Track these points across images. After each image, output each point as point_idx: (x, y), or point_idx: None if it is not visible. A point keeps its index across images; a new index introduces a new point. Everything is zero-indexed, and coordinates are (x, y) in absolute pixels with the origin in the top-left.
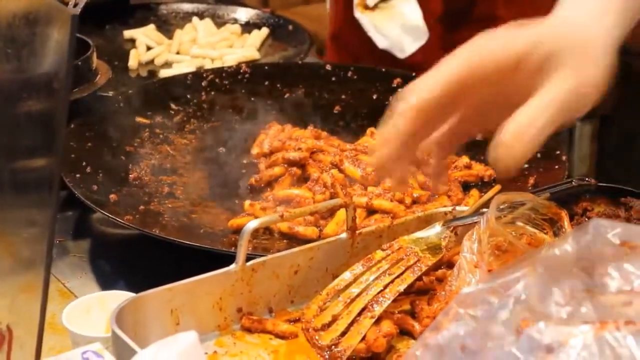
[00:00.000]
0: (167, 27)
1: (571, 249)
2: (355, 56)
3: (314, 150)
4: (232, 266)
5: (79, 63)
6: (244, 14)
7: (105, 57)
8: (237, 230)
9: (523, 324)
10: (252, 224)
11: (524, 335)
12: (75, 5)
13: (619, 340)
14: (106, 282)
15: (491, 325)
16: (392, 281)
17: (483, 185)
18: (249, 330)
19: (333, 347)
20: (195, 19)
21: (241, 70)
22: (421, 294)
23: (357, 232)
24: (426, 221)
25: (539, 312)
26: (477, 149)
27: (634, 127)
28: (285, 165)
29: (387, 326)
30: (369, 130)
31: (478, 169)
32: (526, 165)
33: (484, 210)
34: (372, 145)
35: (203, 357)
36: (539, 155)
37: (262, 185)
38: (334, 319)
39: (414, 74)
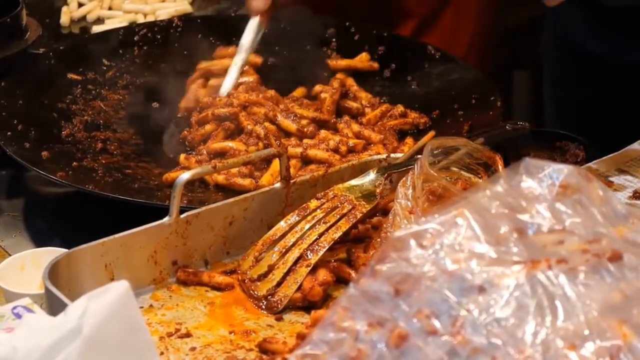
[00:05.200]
0: None
1: (502, 190)
2: None
3: (248, 104)
4: (166, 219)
5: (8, 20)
6: None
7: (37, 14)
8: (172, 184)
9: (455, 264)
10: (184, 176)
11: (456, 276)
12: None
13: (551, 279)
14: (41, 240)
15: (423, 268)
16: (327, 229)
17: (418, 133)
18: (184, 283)
19: (269, 297)
20: None
21: (174, 24)
22: (357, 241)
23: (292, 181)
24: (360, 169)
25: (470, 253)
26: (412, 98)
27: (571, 79)
28: (217, 121)
29: (323, 275)
30: (300, 89)
31: (413, 117)
32: (461, 112)
33: (418, 156)
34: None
35: (135, 306)
36: (473, 101)
37: (195, 144)
38: (270, 269)
39: (347, 24)
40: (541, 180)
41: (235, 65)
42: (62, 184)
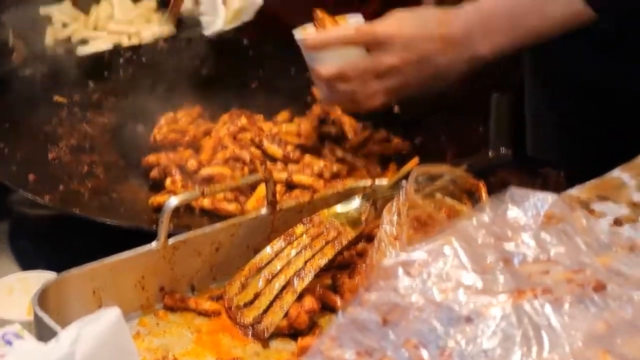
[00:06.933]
0: (82, 3)
1: (488, 219)
2: None
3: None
4: (154, 244)
5: None
6: None
7: (21, 34)
8: (159, 208)
9: (442, 294)
10: (172, 202)
11: (444, 306)
12: None
13: (537, 309)
14: (27, 263)
15: (411, 297)
16: (313, 256)
17: (401, 158)
18: (171, 309)
19: (256, 324)
20: None
21: (158, 47)
22: (342, 268)
23: (278, 207)
24: (346, 196)
25: (457, 283)
26: (395, 123)
27: (547, 101)
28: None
29: (309, 302)
30: (284, 113)
31: (396, 142)
32: (443, 138)
33: (403, 183)
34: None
35: (127, 333)
36: (455, 126)
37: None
38: (256, 296)
39: None
40: (526, 210)
41: None
42: (49, 207)
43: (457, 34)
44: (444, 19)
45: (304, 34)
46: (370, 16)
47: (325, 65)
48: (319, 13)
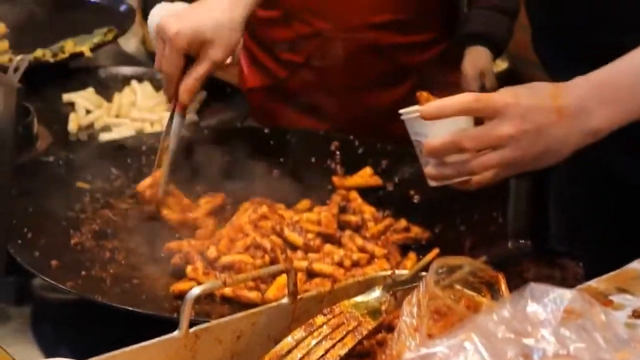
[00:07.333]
0: (106, 90)
1: (508, 314)
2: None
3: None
4: (175, 333)
5: (20, 129)
6: None
7: (45, 120)
8: (180, 295)
9: None
10: (195, 291)
11: None
12: (16, 70)
13: None
14: (48, 349)
15: None
16: (333, 346)
17: (421, 247)
18: None
19: None
20: (134, 82)
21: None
22: (362, 357)
23: (299, 297)
24: (366, 286)
25: None
26: (415, 212)
27: (568, 188)
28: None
29: None
30: (305, 202)
31: (416, 232)
32: (463, 228)
33: (423, 274)
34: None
35: None
36: (475, 216)
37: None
38: None
39: (351, 137)
40: (546, 305)
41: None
42: (71, 293)
43: (571, 105)
44: (556, 91)
45: (415, 108)
46: (403, 97)
47: (436, 137)
48: (424, 94)
